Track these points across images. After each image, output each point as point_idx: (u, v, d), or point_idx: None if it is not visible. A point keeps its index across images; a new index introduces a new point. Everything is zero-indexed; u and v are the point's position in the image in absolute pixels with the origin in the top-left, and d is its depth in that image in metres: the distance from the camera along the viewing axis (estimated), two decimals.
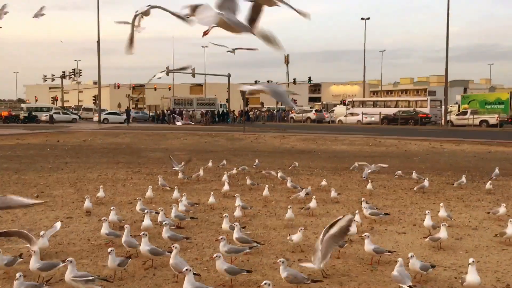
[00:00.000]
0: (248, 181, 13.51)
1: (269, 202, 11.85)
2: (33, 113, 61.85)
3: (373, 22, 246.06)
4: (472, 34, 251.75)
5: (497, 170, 14.94)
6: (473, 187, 14.05)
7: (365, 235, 7.37)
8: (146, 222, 8.63)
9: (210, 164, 17.12)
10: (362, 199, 10.38)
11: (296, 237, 7.77)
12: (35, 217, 10.16)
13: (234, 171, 15.44)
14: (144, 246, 7.03)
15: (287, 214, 9.44)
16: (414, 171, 14.90)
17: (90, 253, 7.79)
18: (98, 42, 58.69)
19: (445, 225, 8.02)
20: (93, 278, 5.99)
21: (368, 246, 7.22)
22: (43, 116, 60.15)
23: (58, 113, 64.71)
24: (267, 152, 25.38)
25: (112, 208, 9.25)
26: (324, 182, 13.15)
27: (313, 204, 10.28)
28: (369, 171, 14.22)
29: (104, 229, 8.02)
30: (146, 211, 9.16)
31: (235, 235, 7.73)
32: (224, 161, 17.78)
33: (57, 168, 17.89)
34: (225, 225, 8.54)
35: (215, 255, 6.41)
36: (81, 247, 8.14)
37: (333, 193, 11.75)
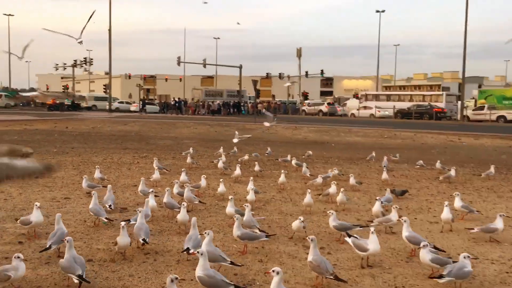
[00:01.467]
0: (257, 167, 12.82)
1: (284, 188, 11.17)
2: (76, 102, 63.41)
3: (386, 17, 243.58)
4: (486, 31, 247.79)
5: None
6: (502, 178, 13.19)
7: (329, 212, 7.16)
8: (151, 202, 7.99)
9: (221, 150, 16.41)
10: (456, 193, 8.93)
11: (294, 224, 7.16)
12: (31, 197, 9.54)
13: (246, 157, 14.73)
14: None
15: (305, 199, 8.73)
16: (438, 161, 14.07)
17: (85, 234, 7.16)
18: (110, 30, 58.12)
19: (502, 215, 7.26)
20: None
21: (332, 222, 7.06)
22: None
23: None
24: (278, 142, 24.63)
25: (96, 167, 10.02)
26: (335, 171, 12.26)
27: (332, 189, 9.48)
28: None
29: (84, 183, 9.03)
30: (151, 190, 8.58)
31: (246, 217, 7.09)
32: (235, 148, 17.07)
33: (62, 152, 17.30)
34: (230, 208, 7.81)
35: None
36: (75, 228, 7.53)
37: (351, 180, 10.92)
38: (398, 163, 15.30)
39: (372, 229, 6.12)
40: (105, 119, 41.39)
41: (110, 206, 8.31)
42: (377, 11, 79.14)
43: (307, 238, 5.77)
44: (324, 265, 5.40)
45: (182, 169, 11.36)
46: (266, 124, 23.52)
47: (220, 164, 13.20)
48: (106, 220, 7.56)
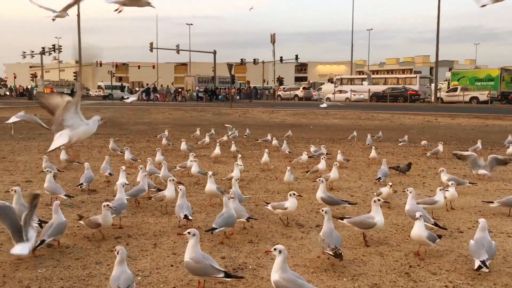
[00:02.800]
0: (233, 148, 12.36)
1: (268, 168, 10.77)
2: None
3: (359, 3, 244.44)
4: (455, 16, 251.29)
5: (510, 137, 13.90)
6: (488, 153, 12.96)
7: (319, 180, 6.96)
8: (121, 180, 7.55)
9: (197, 132, 15.83)
10: (441, 169, 8.67)
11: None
12: None
13: (225, 138, 14.20)
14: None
15: (285, 177, 8.44)
16: (424, 140, 13.94)
17: (46, 218, 6.41)
18: (78, 15, 56.13)
19: None
20: None
21: (320, 193, 6.92)
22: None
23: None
24: (256, 125, 24.10)
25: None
26: (323, 148, 11.81)
27: (321, 165, 9.04)
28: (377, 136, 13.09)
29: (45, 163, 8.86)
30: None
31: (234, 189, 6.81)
32: (213, 130, 16.51)
33: (28, 138, 16.41)
34: (210, 185, 7.25)
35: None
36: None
37: (339, 157, 10.50)
38: (381, 142, 15.01)
39: (375, 199, 5.71)
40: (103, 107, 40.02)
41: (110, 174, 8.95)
42: None
43: (320, 210, 5.33)
44: (328, 240, 4.95)
45: (157, 149, 10.90)
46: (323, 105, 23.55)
47: (183, 146, 12.65)
48: (65, 197, 7.20)
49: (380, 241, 5.85)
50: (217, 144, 11.85)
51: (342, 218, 5.91)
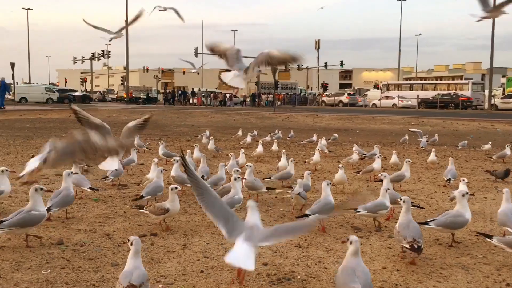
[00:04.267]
0: (274, 147, 12.23)
1: (316, 168, 10.18)
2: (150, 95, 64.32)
3: (406, 10, 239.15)
4: (507, 22, 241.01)
5: None
6: None
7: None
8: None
9: (239, 133, 15.38)
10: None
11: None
12: None
13: (268, 138, 13.63)
14: None
15: (336, 175, 7.94)
16: (489, 142, 12.86)
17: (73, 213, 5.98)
18: (126, 20, 57.28)
19: None
20: None
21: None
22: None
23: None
24: (300, 129, 23.38)
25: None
26: (376, 148, 11.02)
27: (377, 165, 8.41)
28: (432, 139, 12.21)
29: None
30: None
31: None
32: (255, 131, 16.03)
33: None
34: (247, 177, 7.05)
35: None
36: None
37: (394, 158, 9.82)
38: (436, 145, 13.99)
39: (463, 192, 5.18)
40: (121, 109, 40.58)
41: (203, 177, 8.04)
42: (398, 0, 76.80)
43: (399, 199, 4.81)
44: (405, 232, 4.36)
45: (195, 145, 10.59)
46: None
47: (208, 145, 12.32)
48: (89, 190, 6.94)
49: (459, 251, 4.98)
50: (260, 143, 11.27)
51: (426, 223, 5.10)
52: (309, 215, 5.27)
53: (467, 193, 5.10)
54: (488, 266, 4.56)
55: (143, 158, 11.25)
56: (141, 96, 64.16)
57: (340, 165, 7.96)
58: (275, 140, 12.74)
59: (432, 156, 10.51)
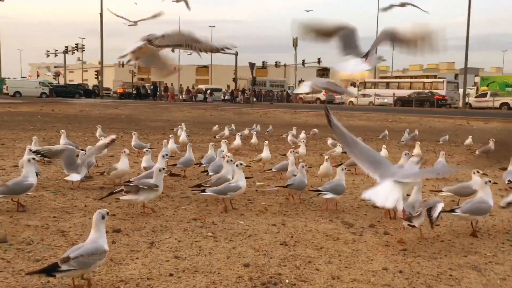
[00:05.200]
0: (254, 139, 12.05)
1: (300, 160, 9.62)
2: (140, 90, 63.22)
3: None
4: (480, 24, 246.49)
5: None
6: None
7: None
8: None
9: (216, 127, 14.77)
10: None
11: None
12: None
13: (246, 131, 13.08)
14: None
15: (321, 167, 7.62)
16: (470, 137, 12.57)
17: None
18: (101, 14, 55.88)
19: None
20: None
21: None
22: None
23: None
24: (278, 125, 22.89)
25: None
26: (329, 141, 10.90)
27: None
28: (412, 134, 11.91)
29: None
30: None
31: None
32: (233, 125, 15.48)
33: (39, 129, 15.54)
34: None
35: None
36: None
37: (383, 152, 9.31)
38: (417, 141, 13.72)
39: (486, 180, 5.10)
40: (95, 103, 39.41)
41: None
42: None
43: None
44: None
45: (170, 135, 10.39)
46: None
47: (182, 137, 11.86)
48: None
49: (465, 248, 4.46)
50: (238, 135, 10.74)
51: (452, 210, 4.93)
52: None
53: (489, 181, 5.09)
54: (502, 266, 4.12)
55: (114, 150, 10.52)
56: (132, 92, 63.61)
57: (326, 157, 7.57)
58: (254, 133, 12.20)
59: (416, 149, 10.13)
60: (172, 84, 67.82)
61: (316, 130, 15.76)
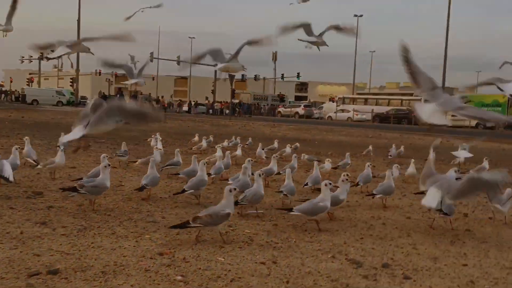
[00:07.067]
0: (239, 151, 11.42)
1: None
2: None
3: (362, 26, 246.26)
4: (456, 45, 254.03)
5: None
6: None
7: None
8: None
9: (196, 138, 14.22)
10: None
11: None
12: None
13: (226, 143, 12.48)
14: None
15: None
16: (462, 153, 12.48)
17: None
18: (79, 20, 54.90)
19: None
20: None
21: None
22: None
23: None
24: (257, 138, 22.36)
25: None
26: (348, 159, 10.15)
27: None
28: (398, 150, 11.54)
29: None
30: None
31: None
32: (211, 137, 14.86)
33: (3, 136, 14.57)
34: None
35: None
36: None
37: (367, 169, 8.73)
38: (403, 157, 13.32)
39: None
40: (68, 111, 38.27)
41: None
42: (355, 15, 78.06)
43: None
44: None
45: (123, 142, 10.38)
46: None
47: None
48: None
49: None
50: (219, 147, 10.20)
51: None
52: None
53: None
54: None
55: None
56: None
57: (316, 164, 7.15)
58: (239, 146, 11.70)
59: (410, 169, 9.56)
60: (141, 92, 67.04)
61: (297, 144, 15.32)
